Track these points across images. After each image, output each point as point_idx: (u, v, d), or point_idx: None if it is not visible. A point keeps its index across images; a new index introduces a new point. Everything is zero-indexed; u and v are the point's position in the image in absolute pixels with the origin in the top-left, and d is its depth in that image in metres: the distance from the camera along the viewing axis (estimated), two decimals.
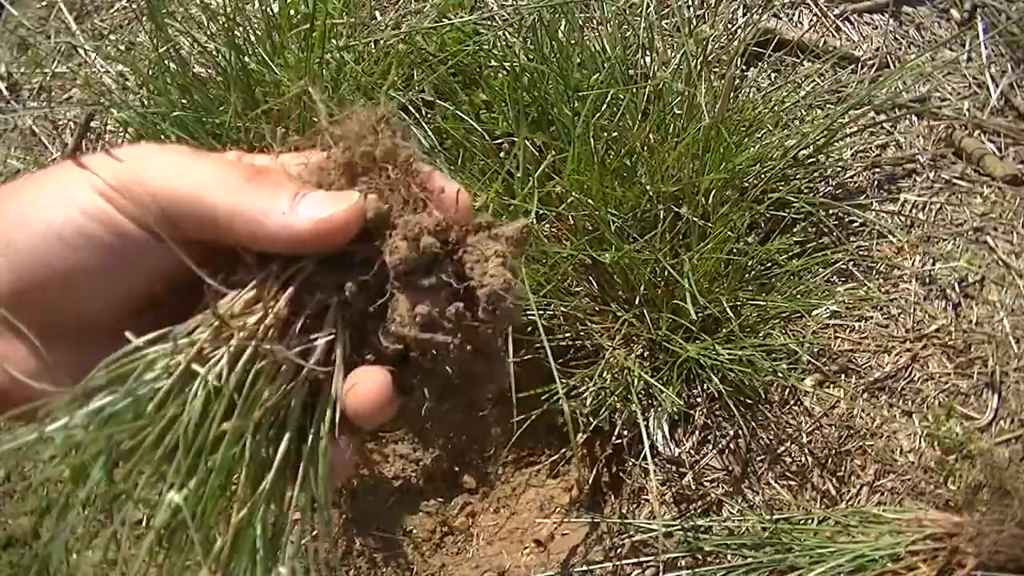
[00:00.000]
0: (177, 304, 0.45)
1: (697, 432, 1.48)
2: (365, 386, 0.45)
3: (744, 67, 1.73)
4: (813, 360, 1.50)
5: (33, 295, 0.43)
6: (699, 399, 1.48)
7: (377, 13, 1.72)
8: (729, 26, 1.75)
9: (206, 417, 0.41)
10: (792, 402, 1.50)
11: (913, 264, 1.60)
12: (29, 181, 0.45)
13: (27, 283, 0.42)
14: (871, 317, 1.57)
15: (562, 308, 1.42)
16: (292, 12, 1.47)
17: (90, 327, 0.44)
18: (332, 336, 0.45)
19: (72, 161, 0.44)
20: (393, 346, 0.45)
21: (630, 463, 1.47)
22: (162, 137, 1.43)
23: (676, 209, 1.39)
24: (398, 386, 0.46)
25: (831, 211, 1.61)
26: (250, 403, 0.42)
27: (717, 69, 1.60)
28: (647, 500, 1.46)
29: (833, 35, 1.79)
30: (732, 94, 1.53)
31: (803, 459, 1.47)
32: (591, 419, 1.39)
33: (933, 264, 1.60)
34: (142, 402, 0.41)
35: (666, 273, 1.36)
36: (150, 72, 1.46)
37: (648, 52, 1.57)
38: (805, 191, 1.59)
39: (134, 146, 0.46)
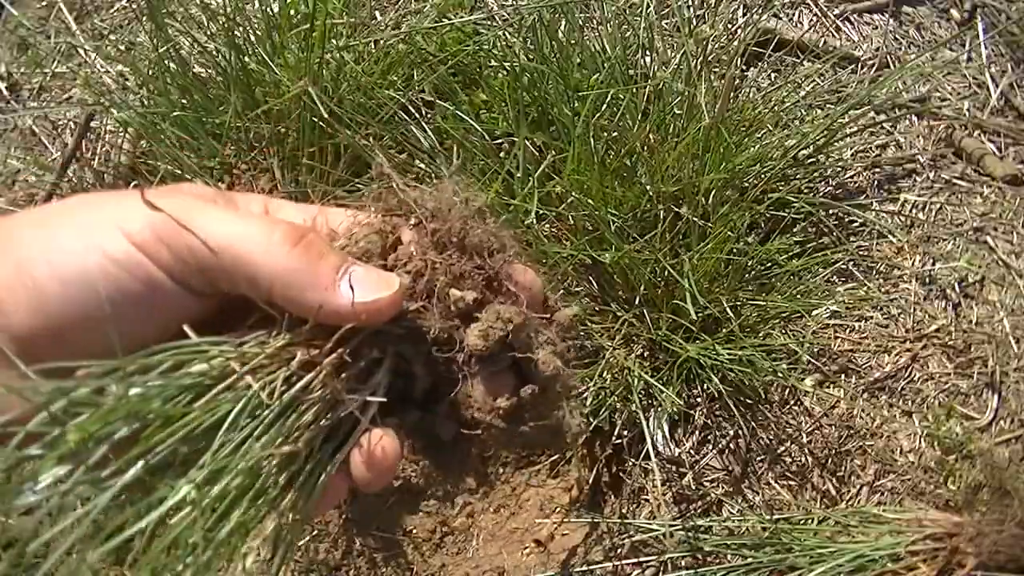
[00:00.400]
0: None
1: (697, 432, 1.48)
2: (383, 453, 0.46)
3: (744, 67, 1.73)
4: (813, 360, 1.50)
5: (56, 336, 0.42)
6: (699, 399, 1.48)
7: (377, 13, 1.72)
8: (729, 26, 1.75)
9: (235, 425, 0.42)
10: (792, 402, 1.50)
11: (913, 264, 1.60)
12: (55, 217, 0.45)
13: (52, 324, 0.42)
14: (871, 317, 1.57)
15: None
16: (292, 12, 1.47)
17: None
18: (376, 397, 0.46)
19: (140, 198, 0.43)
20: (479, 422, 0.48)
21: (630, 463, 1.47)
22: (162, 137, 1.43)
23: (676, 209, 1.39)
24: (436, 459, 0.50)
25: (831, 211, 1.61)
26: (290, 426, 0.43)
27: (717, 69, 1.60)
28: (647, 500, 1.46)
29: (833, 35, 1.79)
30: (732, 94, 1.53)
31: (803, 459, 1.47)
32: (591, 419, 1.39)
33: (933, 264, 1.60)
34: (179, 390, 0.42)
35: (666, 273, 1.35)
36: (150, 72, 1.46)
37: (648, 52, 1.57)
38: (805, 191, 1.59)
39: (176, 192, 0.46)
